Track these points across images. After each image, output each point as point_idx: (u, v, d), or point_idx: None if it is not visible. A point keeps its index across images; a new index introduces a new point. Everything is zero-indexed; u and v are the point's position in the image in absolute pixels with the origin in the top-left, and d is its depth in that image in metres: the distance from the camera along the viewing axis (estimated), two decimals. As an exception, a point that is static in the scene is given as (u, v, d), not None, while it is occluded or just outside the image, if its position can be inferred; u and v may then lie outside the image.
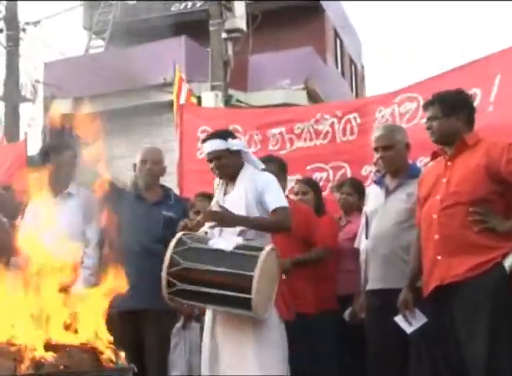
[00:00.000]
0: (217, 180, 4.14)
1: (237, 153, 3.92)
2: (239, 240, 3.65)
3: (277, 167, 4.77)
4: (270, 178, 3.92)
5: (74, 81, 13.84)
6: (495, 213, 3.47)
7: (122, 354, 2.93)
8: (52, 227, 3.57)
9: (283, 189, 4.94)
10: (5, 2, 13.68)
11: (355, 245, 4.64)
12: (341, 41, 19.92)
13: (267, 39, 14.90)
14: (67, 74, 13.92)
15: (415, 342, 3.80)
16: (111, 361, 2.83)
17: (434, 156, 3.85)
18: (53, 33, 31.56)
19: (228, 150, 3.88)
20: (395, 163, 4.20)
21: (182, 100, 8.06)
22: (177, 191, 5.85)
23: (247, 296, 3.41)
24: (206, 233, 3.88)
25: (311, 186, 5.34)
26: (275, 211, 3.77)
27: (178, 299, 3.64)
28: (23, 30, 13.94)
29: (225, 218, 3.70)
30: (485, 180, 3.47)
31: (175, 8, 17.24)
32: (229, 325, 3.72)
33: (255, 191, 3.81)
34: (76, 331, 2.89)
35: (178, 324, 5.21)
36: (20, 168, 7.20)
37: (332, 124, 5.83)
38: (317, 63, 15.95)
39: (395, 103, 5.51)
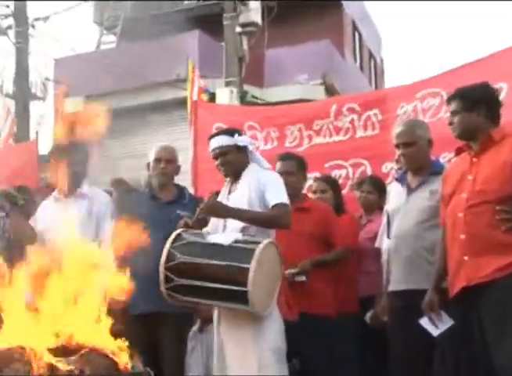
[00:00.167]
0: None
1: (244, 151, 4.00)
2: (239, 236, 3.70)
3: (296, 164, 4.77)
4: (273, 176, 3.99)
5: (86, 78, 13.90)
6: (523, 211, 3.44)
7: (138, 358, 2.94)
8: (64, 228, 3.59)
9: (302, 187, 4.95)
10: (14, -3, 13.75)
11: (376, 245, 4.62)
12: (360, 34, 19.84)
13: (283, 33, 14.89)
14: (78, 70, 13.97)
15: (439, 344, 3.78)
16: (127, 365, 2.84)
17: (459, 152, 3.82)
18: (63, 29, 31.71)
19: (235, 147, 3.97)
20: (417, 160, 4.17)
21: (195, 97, 8.08)
22: (191, 190, 5.85)
23: (243, 289, 3.43)
24: (208, 232, 3.92)
25: (330, 184, 5.33)
26: (274, 207, 3.81)
27: (177, 295, 3.67)
28: (33, 26, 14.02)
29: (217, 209, 3.79)
30: (513, 177, 3.45)
31: (188, 1, 17.27)
32: (231, 322, 3.79)
33: (258, 189, 3.87)
34: (91, 335, 2.90)
35: (195, 327, 5.22)
36: (32, 167, 7.26)
37: (352, 121, 5.82)
38: (335, 57, 15.90)
39: (417, 99, 5.48)
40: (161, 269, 3.61)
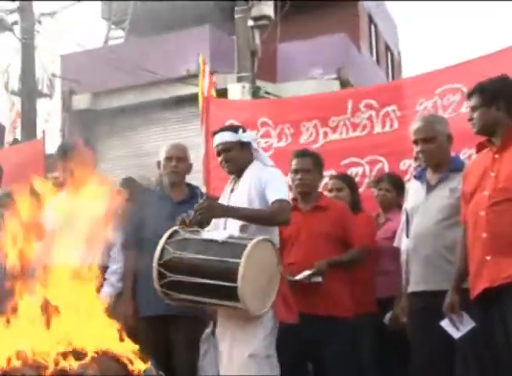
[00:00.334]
0: None
1: (247, 148, 4.05)
2: (235, 232, 3.73)
3: (313, 161, 4.77)
4: (274, 173, 4.01)
5: (93, 74, 13.94)
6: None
7: (151, 362, 2.95)
8: (73, 229, 3.61)
9: (319, 185, 4.95)
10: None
11: (395, 244, 4.61)
12: (376, 27, 19.73)
13: (296, 26, 14.85)
14: (86, 66, 14.01)
15: (461, 346, 3.76)
16: (139, 369, 2.86)
17: (480, 148, 3.80)
18: (70, 24, 31.85)
19: (238, 143, 4.02)
20: (437, 156, 4.16)
21: (206, 93, 8.07)
22: (204, 189, 5.86)
23: (233, 285, 3.44)
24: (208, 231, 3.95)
25: (347, 182, 5.33)
26: (273, 203, 3.84)
27: (172, 293, 3.70)
28: (39, 21, 14.08)
29: (214, 210, 3.81)
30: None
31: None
32: (225, 325, 3.87)
33: (259, 187, 3.91)
34: (102, 338, 2.92)
35: (208, 330, 5.23)
36: (39, 166, 7.30)
37: (370, 117, 5.80)
38: (350, 50, 15.83)
39: (437, 95, 5.46)
40: (154, 265, 3.65)
